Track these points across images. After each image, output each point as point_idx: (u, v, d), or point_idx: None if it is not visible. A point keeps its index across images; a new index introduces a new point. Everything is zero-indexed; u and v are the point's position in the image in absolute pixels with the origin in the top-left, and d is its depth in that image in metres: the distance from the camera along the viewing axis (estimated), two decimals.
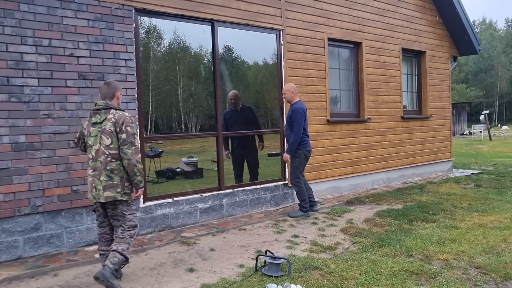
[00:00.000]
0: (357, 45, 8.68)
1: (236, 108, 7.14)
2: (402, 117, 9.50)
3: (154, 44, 6.22)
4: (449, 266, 4.45)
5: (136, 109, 5.58)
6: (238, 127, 7.12)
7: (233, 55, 7.01)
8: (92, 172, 3.98)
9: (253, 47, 7.13)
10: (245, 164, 7.30)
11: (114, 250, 3.89)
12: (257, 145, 7.29)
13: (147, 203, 5.72)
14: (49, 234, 4.94)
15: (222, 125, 6.73)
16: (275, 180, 7.27)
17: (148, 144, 6.29)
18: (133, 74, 5.53)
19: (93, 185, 3.96)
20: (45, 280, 4.26)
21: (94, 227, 5.25)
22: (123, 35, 5.42)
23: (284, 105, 7.28)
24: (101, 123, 3.97)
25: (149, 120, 6.25)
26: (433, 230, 5.73)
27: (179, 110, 6.57)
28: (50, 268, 4.47)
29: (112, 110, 3.99)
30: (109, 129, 3.92)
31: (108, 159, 3.91)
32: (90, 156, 4.01)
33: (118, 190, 3.92)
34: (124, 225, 4.02)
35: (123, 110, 4.06)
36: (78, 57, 5.08)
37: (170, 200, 5.94)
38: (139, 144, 4.02)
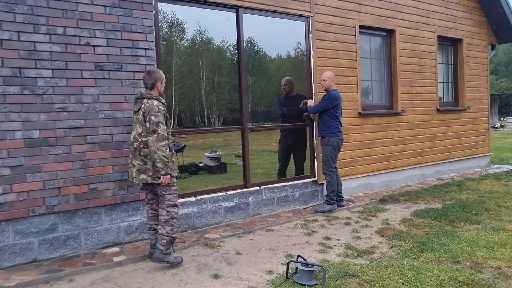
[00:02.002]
0: (390, 33, 8.15)
1: (289, 95, 6.92)
2: (438, 110, 8.92)
3: (176, 33, 5.86)
4: (503, 275, 3.97)
5: None
6: (291, 115, 6.90)
7: (259, 43, 6.59)
8: (130, 155, 4.39)
9: (280, 36, 6.71)
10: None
11: (160, 234, 4.30)
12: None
13: None
14: (65, 235, 4.64)
15: (279, 110, 6.85)
16: (304, 177, 6.85)
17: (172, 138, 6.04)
18: (153, 64, 5.17)
19: (129, 166, 4.39)
20: (60, 286, 3.96)
21: (113, 228, 4.95)
22: (142, 23, 5.07)
23: (314, 97, 6.84)
24: (137, 112, 4.28)
25: (172, 114, 6.07)
26: (478, 233, 5.23)
27: (202, 104, 6.27)
28: (66, 272, 4.17)
29: (145, 100, 4.24)
30: (141, 118, 4.21)
31: (141, 145, 4.22)
32: (131, 140, 4.37)
33: (150, 174, 4.23)
34: (163, 204, 4.32)
35: (157, 99, 4.23)
36: (94, 46, 4.75)
37: (193, 198, 5.58)
38: (163, 132, 4.10)
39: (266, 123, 7.08)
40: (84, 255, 4.67)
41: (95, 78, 4.76)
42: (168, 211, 4.30)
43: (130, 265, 4.46)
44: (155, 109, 4.12)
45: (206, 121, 6.40)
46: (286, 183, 6.55)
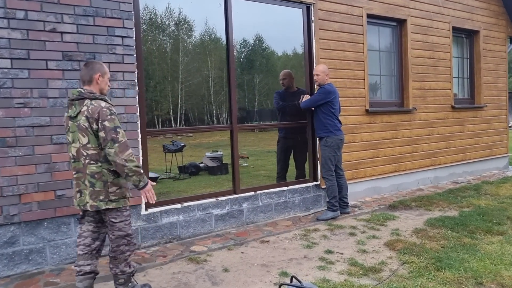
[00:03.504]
0: (401, 23, 7.47)
1: (289, 90, 6.32)
2: (453, 107, 8.23)
3: (157, 23, 5.29)
4: None
5: (136, 97, 4.62)
6: (290, 113, 6.27)
7: (253, 34, 6.01)
8: (76, 174, 3.33)
9: (277, 25, 6.09)
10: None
11: (115, 274, 3.43)
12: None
13: (151, 210, 4.78)
14: (27, 249, 4.06)
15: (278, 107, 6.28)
16: (305, 181, 6.22)
17: (159, 137, 5.64)
18: (132, 55, 4.57)
19: (78, 189, 3.33)
20: None
21: None
22: (118, 7, 4.46)
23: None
24: (76, 117, 3.26)
25: (179, 113, 5.68)
26: (502, 246, 4.57)
27: (210, 103, 5.80)
28: None
29: (86, 101, 3.24)
30: (83, 125, 3.21)
31: (87, 161, 3.24)
32: (70, 155, 3.34)
33: (101, 197, 3.26)
34: (112, 235, 3.38)
35: (101, 99, 3.27)
36: (62, 33, 4.16)
37: (178, 205, 4.98)
38: (124, 138, 3.19)
39: (273, 121, 6.55)
40: (49, 272, 4.08)
41: (62, 69, 4.16)
42: (117, 245, 3.36)
43: (99, 284, 3.86)
44: (106, 111, 3.18)
45: (214, 119, 6.11)
46: (285, 188, 5.92)
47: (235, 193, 5.46)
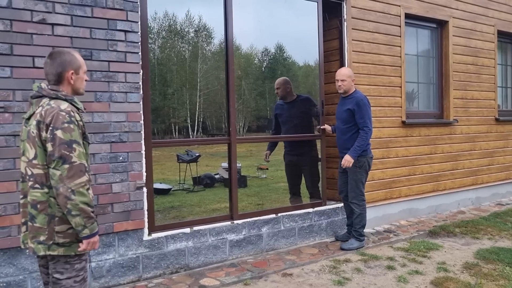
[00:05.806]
0: (441, 25, 6.68)
1: (287, 101, 5.59)
2: (497, 119, 7.37)
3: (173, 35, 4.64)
4: None
5: (140, 102, 3.94)
6: (291, 126, 5.54)
7: (268, 32, 5.34)
8: (22, 199, 2.42)
9: (300, 23, 5.41)
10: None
11: None
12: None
13: (155, 235, 4.07)
14: (4, 282, 3.39)
15: (273, 122, 5.54)
16: (333, 202, 5.47)
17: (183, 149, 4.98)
18: (137, 53, 3.90)
19: (24, 220, 2.41)
20: None
21: None
22: None
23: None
24: (28, 120, 2.38)
25: (196, 121, 5.15)
26: None
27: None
28: None
29: (44, 100, 2.33)
30: (33, 132, 2.30)
31: (30, 183, 2.30)
32: (21, 172, 2.43)
33: (41, 238, 2.28)
34: None
35: (66, 100, 2.34)
36: (53, 24, 3.51)
37: (187, 229, 4.26)
38: (81, 160, 2.25)
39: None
40: None
41: None
42: None
43: None
44: (63, 117, 2.23)
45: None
46: (310, 210, 5.16)
47: (231, 219, 4.62)
